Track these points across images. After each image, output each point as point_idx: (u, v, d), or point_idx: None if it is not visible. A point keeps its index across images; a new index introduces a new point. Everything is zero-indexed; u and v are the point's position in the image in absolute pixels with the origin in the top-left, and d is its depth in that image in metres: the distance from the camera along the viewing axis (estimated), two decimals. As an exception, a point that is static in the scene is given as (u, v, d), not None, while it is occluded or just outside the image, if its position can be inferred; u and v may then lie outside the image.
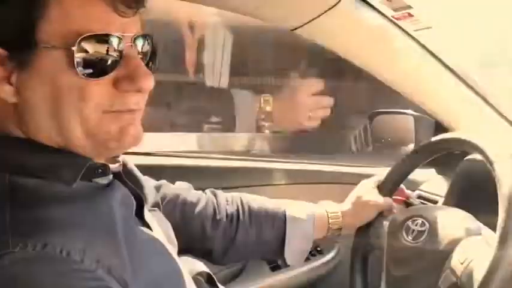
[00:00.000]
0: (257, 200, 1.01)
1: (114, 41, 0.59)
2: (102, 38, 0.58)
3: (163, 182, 0.98)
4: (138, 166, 0.85)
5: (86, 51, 0.57)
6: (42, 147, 0.61)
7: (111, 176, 0.68)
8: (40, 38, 0.57)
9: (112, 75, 0.60)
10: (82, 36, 0.57)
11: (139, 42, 0.63)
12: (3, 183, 0.58)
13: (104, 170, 0.66)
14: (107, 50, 0.58)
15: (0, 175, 0.58)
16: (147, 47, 0.64)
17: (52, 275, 0.53)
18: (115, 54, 0.59)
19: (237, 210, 0.98)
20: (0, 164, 0.59)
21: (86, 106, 0.59)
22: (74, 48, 0.56)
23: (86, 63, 0.58)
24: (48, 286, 0.52)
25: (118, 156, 0.71)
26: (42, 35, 0.57)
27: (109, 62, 0.59)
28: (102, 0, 0.57)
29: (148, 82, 0.61)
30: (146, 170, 0.88)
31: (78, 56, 0.57)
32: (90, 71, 0.58)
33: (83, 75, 0.58)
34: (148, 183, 0.91)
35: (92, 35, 0.57)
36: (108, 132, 0.61)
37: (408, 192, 1.09)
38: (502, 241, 0.70)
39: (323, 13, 1.00)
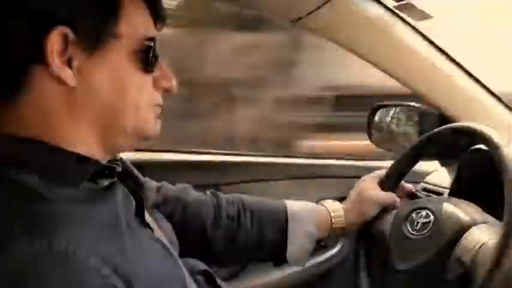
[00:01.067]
0: (258, 200, 1.00)
1: (157, 45, 0.67)
2: (155, 40, 0.67)
3: (163, 183, 0.98)
4: (138, 162, 0.84)
5: (149, 49, 0.65)
6: (52, 147, 0.61)
7: (115, 178, 0.68)
8: (113, 29, 0.62)
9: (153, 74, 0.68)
10: (146, 36, 0.65)
11: None
12: (10, 180, 0.58)
13: (110, 172, 0.66)
14: (157, 51, 0.67)
15: (8, 172, 0.58)
16: None
17: (58, 272, 0.52)
18: (159, 55, 0.68)
19: (238, 211, 0.97)
20: (8, 160, 0.59)
21: (141, 98, 0.66)
22: (148, 43, 0.65)
23: (147, 60, 0.65)
24: (53, 283, 0.52)
25: (117, 159, 0.72)
26: (115, 27, 0.62)
27: (157, 61, 0.68)
28: (150, 13, 0.67)
29: (176, 83, 0.71)
30: (146, 165, 0.88)
31: (142, 52, 0.64)
32: (149, 67, 0.66)
33: (142, 70, 0.65)
34: (149, 184, 0.91)
35: (152, 36, 0.66)
36: (150, 122, 0.69)
37: (410, 185, 1.07)
38: (509, 226, 0.69)
39: (323, 4, 1.00)
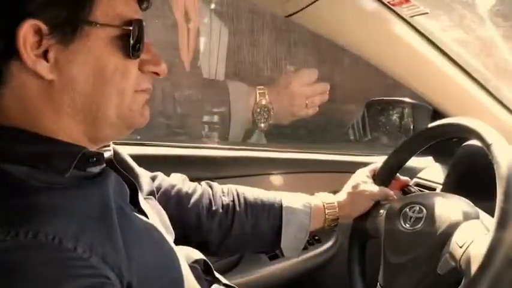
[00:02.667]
0: (253, 191, 1.01)
1: (143, 28, 0.65)
2: (139, 24, 0.64)
3: (158, 173, 0.98)
4: (131, 156, 0.84)
5: (130, 34, 0.62)
6: (36, 136, 0.61)
7: (104, 165, 0.67)
8: (88, 17, 0.60)
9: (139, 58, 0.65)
10: (125, 20, 0.62)
11: None
12: None
13: (98, 158, 0.65)
14: (142, 35, 0.64)
15: None
16: None
17: (44, 263, 0.52)
18: (144, 38, 0.65)
19: (233, 201, 0.97)
20: None
21: (127, 85, 0.64)
22: (122, 28, 0.62)
23: (131, 45, 0.63)
24: (40, 274, 0.51)
25: (108, 145, 0.71)
26: (91, 15, 0.60)
27: (142, 45, 0.65)
28: None
29: (165, 66, 0.68)
30: (140, 160, 0.88)
31: (123, 37, 0.62)
32: (132, 51, 0.63)
33: (125, 54, 0.63)
34: (143, 173, 0.90)
35: (133, 19, 0.63)
36: (136, 109, 0.67)
37: (405, 179, 1.08)
38: (501, 223, 0.69)
39: (318, -1, 1.00)
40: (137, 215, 0.69)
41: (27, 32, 0.57)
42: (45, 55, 0.59)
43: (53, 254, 0.53)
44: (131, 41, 0.62)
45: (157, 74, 0.68)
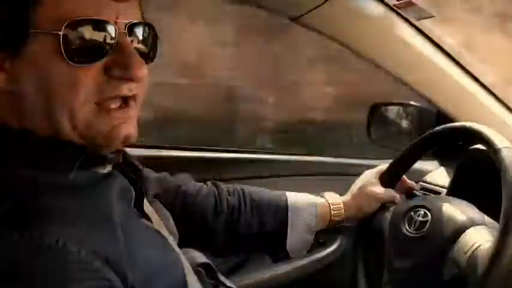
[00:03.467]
0: (258, 191, 1.00)
1: (105, 27, 0.57)
2: (91, 24, 0.57)
3: (164, 173, 0.98)
4: (138, 157, 0.84)
5: (76, 37, 0.56)
6: (37, 138, 0.60)
7: (110, 166, 0.67)
8: (32, 23, 0.56)
9: (102, 62, 0.58)
10: (68, 21, 0.55)
11: (137, 30, 0.62)
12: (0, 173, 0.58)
13: (102, 158, 0.65)
14: (97, 36, 0.57)
15: None
16: (145, 36, 0.63)
17: (48, 266, 0.52)
18: (106, 40, 0.58)
19: (239, 201, 0.97)
20: None
21: (75, 97, 0.57)
22: (61, 33, 0.55)
23: (74, 50, 0.56)
24: (44, 276, 0.52)
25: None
26: (34, 21, 0.56)
27: (98, 48, 0.57)
28: None
29: (140, 70, 0.59)
30: (146, 161, 0.88)
31: (67, 42, 0.56)
32: (79, 57, 0.57)
33: (71, 61, 0.56)
34: (149, 175, 0.90)
35: (81, 20, 0.56)
36: (98, 131, 0.60)
37: (410, 183, 1.08)
38: (506, 228, 0.69)
39: (324, 2, 1.00)
40: (140, 219, 0.69)
41: None
42: (1, 66, 0.58)
43: (57, 257, 0.53)
44: (81, 43, 0.56)
45: (127, 79, 0.60)
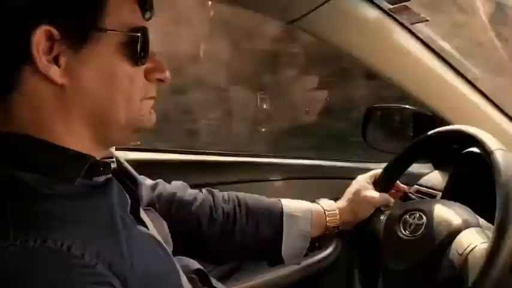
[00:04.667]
0: (254, 198, 1.00)
1: (149, 35, 0.66)
2: (146, 31, 0.66)
3: (159, 181, 0.98)
4: (133, 161, 0.84)
5: (137, 40, 0.64)
6: (46, 144, 0.61)
7: (110, 174, 0.68)
8: (98, 23, 0.61)
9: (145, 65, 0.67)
10: (132, 26, 0.63)
11: None
12: (5, 177, 0.58)
13: (105, 168, 0.66)
14: (148, 42, 0.66)
15: (3, 170, 0.58)
16: None
17: (52, 270, 0.52)
18: (149, 46, 0.66)
19: (234, 208, 0.97)
20: (3, 159, 0.59)
21: (132, 90, 0.65)
22: (138, 35, 0.64)
23: (136, 52, 0.64)
24: (48, 280, 0.52)
25: (112, 157, 0.72)
26: (100, 21, 0.61)
27: (148, 52, 0.66)
28: (136, 3, 0.65)
29: (169, 73, 0.70)
30: (142, 165, 0.88)
31: (130, 43, 0.63)
32: (138, 58, 0.64)
33: (132, 61, 0.64)
34: (144, 181, 0.90)
35: (140, 26, 0.65)
36: (144, 113, 0.68)
37: (405, 186, 1.08)
38: (500, 230, 0.69)
39: (319, 6, 1.00)
40: (137, 225, 0.69)
41: (40, 37, 0.58)
42: (56, 60, 0.60)
43: (61, 261, 0.53)
44: (138, 48, 0.64)
45: (162, 81, 0.70)
